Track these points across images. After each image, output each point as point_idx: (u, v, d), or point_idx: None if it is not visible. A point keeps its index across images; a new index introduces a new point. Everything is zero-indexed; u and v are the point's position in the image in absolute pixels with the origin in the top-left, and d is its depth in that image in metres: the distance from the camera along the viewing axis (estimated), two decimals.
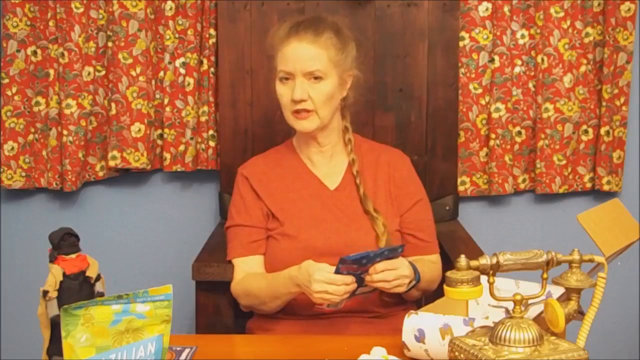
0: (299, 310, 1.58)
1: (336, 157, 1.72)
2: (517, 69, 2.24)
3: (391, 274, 1.45)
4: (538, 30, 2.22)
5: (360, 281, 1.46)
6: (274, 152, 1.78)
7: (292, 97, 1.59)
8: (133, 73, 2.20)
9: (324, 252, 1.57)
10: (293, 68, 1.59)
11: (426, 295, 1.70)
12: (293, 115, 1.63)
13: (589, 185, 2.30)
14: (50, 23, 2.19)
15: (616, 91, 2.24)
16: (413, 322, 1.26)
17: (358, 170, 1.68)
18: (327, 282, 1.40)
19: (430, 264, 1.67)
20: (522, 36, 2.24)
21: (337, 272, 1.41)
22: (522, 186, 2.31)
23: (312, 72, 1.59)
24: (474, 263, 1.08)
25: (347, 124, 1.72)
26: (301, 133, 1.68)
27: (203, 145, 2.24)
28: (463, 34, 2.21)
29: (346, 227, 1.63)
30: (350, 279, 1.42)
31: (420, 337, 1.25)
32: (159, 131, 2.27)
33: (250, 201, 1.68)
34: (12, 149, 2.22)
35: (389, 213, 1.67)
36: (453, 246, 1.91)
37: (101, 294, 1.17)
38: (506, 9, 2.20)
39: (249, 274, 1.63)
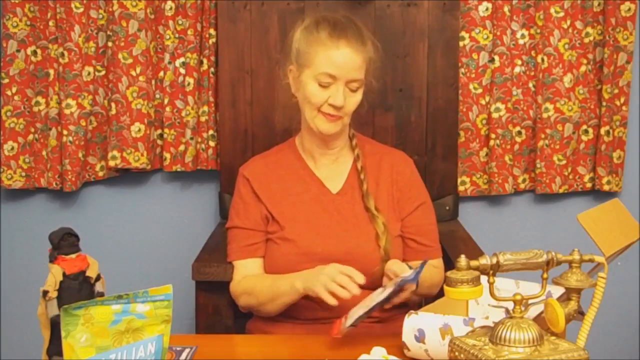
0: (299, 314, 1.57)
1: (340, 159, 1.70)
2: (517, 69, 2.24)
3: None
4: (538, 30, 2.22)
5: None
6: (275, 151, 1.76)
7: (330, 102, 1.57)
8: (133, 73, 2.20)
9: (323, 257, 1.56)
10: (340, 73, 1.56)
11: (427, 298, 1.70)
12: (321, 115, 1.59)
13: (589, 185, 2.30)
14: (50, 23, 2.19)
15: (616, 91, 2.24)
16: (413, 322, 1.26)
17: (363, 166, 1.67)
18: (340, 271, 1.41)
19: (431, 269, 1.65)
20: (522, 36, 2.24)
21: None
22: (522, 186, 2.31)
23: (354, 81, 1.57)
24: (474, 263, 1.08)
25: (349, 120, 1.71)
26: (318, 133, 1.64)
27: (203, 145, 2.24)
28: (463, 34, 2.21)
29: (347, 232, 1.62)
30: (356, 273, 1.42)
31: (420, 337, 1.25)
32: (159, 131, 2.27)
33: (250, 203, 1.67)
34: (12, 149, 2.22)
35: (391, 218, 1.65)
36: (453, 246, 1.91)
37: (101, 294, 1.17)
38: (506, 9, 2.20)
39: (248, 276, 1.63)
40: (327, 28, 1.58)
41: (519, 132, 2.27)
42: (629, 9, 2.18)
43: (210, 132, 2.24)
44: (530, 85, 2.26)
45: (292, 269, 1.57)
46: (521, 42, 2.24)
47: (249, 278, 1.62)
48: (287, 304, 1.54)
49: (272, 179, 1.69)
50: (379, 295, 1.41)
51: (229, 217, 1.72)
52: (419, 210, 1.70)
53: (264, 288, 1.57)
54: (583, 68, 2.23)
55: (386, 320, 1.62)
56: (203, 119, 2.22)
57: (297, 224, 1.63)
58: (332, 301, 1.40)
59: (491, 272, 1.08)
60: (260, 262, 1.65)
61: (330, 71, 1.55)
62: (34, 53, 2.22)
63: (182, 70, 2.21)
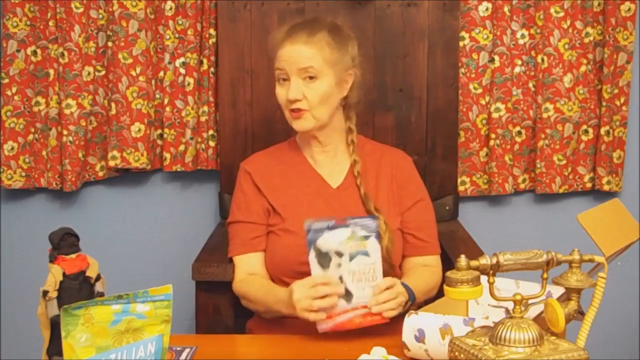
0: None
1: (340, 156, 1.72)
2: (517, 69, 2.24)
3: (393, 292, 1.43)
4: (538, 30, 2.22)
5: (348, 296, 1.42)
6: (276, 149, 1.79)
7: (287, 97, 1.61)
8: (133, 73, 2.20)
9: None
10: (288, 67, 1.61)
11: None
12: (290, 115, 1.64)
13: (589, 185, 2.30)
14: (50, 23, 2.19)
15: (616, 91, 2.24)
16: (413, 322, 1.26)
17: (359, 172, 1.68)
18: (304, 286, 1.40)
19: (425, 272, 1.66)
20: (522, 36, 2.24)
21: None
22: (522, 186, 2.31)
23: (305, 69, 1.59)
24: (474, 263, 1.08)
25: (351, 125, 1.72)
26: (301, 132, 1.68)
27: (203, 145, 2.24)
28: (463, 34, 2.21)
29: None
30: (329, 277, 1.39)
31: (420, 337, 1.25)
32: (159, 131, 2.27)
33: (251, 197, 1.69)
34: (12, 149, 2.22)
35: (391, 212, 1.68)
36: (453, 246, 1.91)
37: (101, 294, 1.17)
38: (506, 9, 2.20)
39: (250, 277, 1.64)
40: (284, 32, 1.64)
41: (519, 132, 2.27)
42: (629, 9, 2.18)
43: (210, 132, 2.24)
44: (530, 85, 2.26)
45: (294, 260, 1.59)
46: (521, 42, 2.24)
47: (248, 283, 1.62)
48: (282, 313, 1.53)
49: (273, 173, 1.71)
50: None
51: (230, 212, 1.73)
52: (417, 206, 1.72)
53: (258, 299, 1.58)
54: (583, 68, 2.23)
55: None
56: (203, 119, 2.22)
57: (298, 215, 1.64)
58: (322, 316, 1.39)
59: (491, 272, 1.08)
60: (261, 257, 1.67)
61: (278, 65, 1.62)
62: (34, 53, 2.22)
63: (182, 70, 2.21)
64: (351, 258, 1.40)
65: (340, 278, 1.41)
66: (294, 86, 1.60)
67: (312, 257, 1.41)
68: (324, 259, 1.40)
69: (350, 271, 1.41)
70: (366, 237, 1.41)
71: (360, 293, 1.41)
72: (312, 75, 1.60)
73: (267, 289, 1.58)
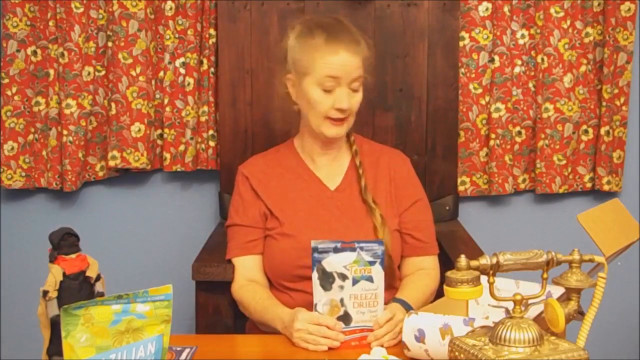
0: None
1: (339, 158, 1.73)
2: (517, 69, 2.24)
3: (392, 324, 1.40)
4: (538, 30, 2.22)
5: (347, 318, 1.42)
6: (274, 151, 1.79)
7: (337, 106, 1.59)
8: (133, 73, 2.20)
9: None
10: (342, 76, 1.58)
11: None
12: (327, 121, 1.62)
13: (589, 185, 2.30)
14: (50, 23, 2.19)
15: (616, 91, 2.24)
16: (413, 322, 1.26)
17: (361, 162, 1.69)
18: (308, 321, 1.39)
19: (423, 280, 1.65)
20: (522, 36, 2.24)
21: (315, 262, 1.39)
22: (522, 186, 2.31)
23: (357, 79, 1.60)
24: (474, 263, 1.08)
25: None
26: (318, 137, 1.67)
27: (203, 145, 2.24)
28: (463, 34, 2.21)
29: (345, 227, 1.63)
30: (333, 322, 1.39)
31: (420, 337, 1.25)
32: (159, 131, 2.27)
33: (249, 201, 1.69)
34: (12, 149, 2.22)
35: (389, 213, 1.67)
36: (453, 246, 1.91)
37: (101, 294, 1.17)
38: (506, 9, 2.20)
39: (250, 285, 1.64)
40: (323, 34, 1.60)
41: (519, 132, 2.27)
42: (629, 9, 2.18)
43: (210, 132, 2.24)
44: (530, 85, 2.26)
45: (292, 264, 1.60)
46: (521, 42, 2.24)
47: (246, 290, 1.62)
48: (277, 329, 1.51)
49: (271, 177, 1.71)
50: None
51: (228, 215, 1.74)
52: (415, 207, 1.72)
53: (256, 311, 1.57)
54: (583, 68, 2.23)
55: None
56: (203, 119, 2.22)
57: (296, 219, 1.64)
58: (322, 348, 1.38)
59: (491, 272, 1.08)
60: (258, 260, 1.67)
61: (333, 73, 1.58)
62: (34, 53, 2.22)
63: (182, 70, 2.21)
64: (354, 282, 1.39)
65: (341, 301, 1.40)
66: (346, 96, 1.59)
67: (315, 277, 1.40)
68: (327, 280, 1.39)
69: (352, 295, 1.40)
70: (371, 263, 1.40)
71: (359, 317, 1.40)
72: (358, 86, 1.61)
73: (266, 305, 1.56)
